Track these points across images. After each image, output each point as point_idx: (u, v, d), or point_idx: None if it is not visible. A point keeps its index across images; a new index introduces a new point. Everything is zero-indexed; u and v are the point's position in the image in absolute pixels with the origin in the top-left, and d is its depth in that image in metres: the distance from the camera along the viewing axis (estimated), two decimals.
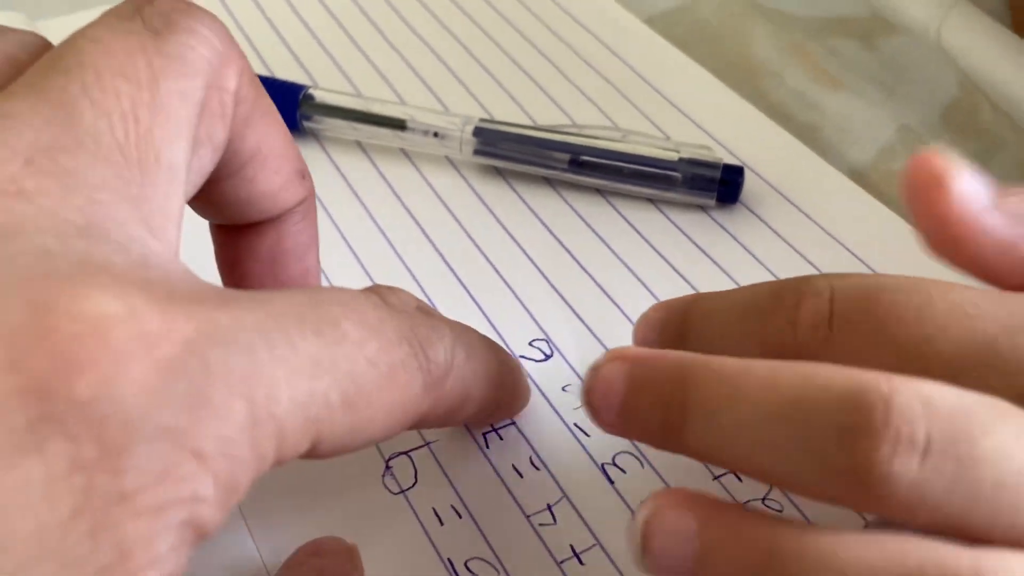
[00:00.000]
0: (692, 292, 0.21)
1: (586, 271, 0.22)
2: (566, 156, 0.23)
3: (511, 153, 0.23)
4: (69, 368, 0.09)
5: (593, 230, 0.23)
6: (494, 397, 0.16)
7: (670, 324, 0.16)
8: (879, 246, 0.22)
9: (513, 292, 0.21)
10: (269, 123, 0.14)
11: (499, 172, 0.24)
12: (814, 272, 0.21)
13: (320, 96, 0.24)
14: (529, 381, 0.19)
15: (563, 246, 0.22)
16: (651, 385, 0.13)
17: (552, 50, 0.27)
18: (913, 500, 0.11)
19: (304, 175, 0.16)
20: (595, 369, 0.14)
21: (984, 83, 0.23)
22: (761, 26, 0.28)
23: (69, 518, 0.09)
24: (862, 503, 0.11)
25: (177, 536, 0.10)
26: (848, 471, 0.11)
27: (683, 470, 0.18)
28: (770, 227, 0.22)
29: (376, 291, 0.14)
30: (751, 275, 0.21)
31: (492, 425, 0.19)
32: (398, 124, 0.24)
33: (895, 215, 0.22)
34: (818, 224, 0.22)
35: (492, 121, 0.24)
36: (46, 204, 0.10)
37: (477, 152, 0.24)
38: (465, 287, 0.21)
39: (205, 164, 0.13)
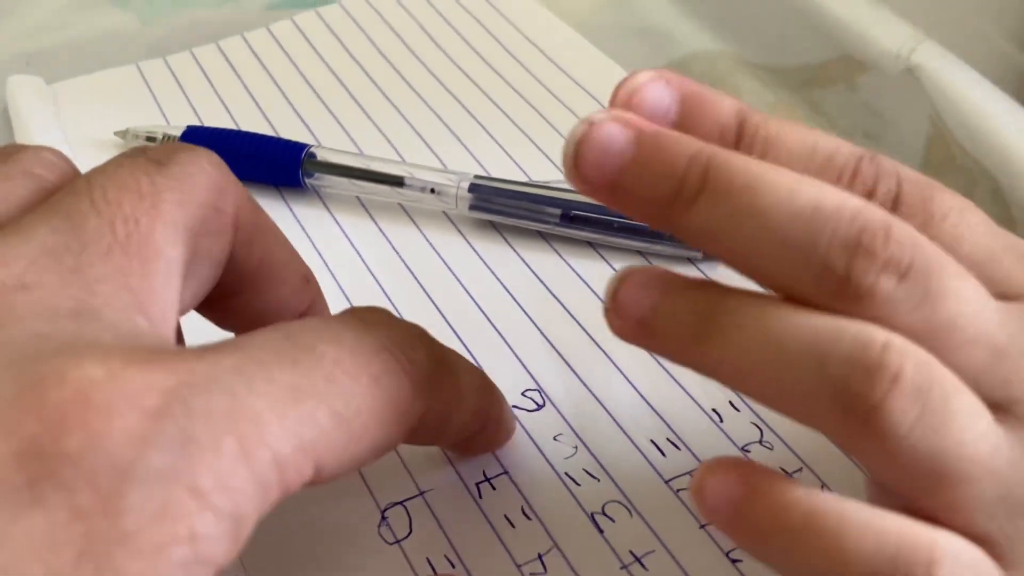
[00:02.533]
0: None
1: (578, 323, 0.22)
2: (558, 211, 0.24)
3: (505, 208, 0.24)
4: (58, 429, 0.10)
5: (585, 282, 0.23)
6: (480, 404, 0.17)
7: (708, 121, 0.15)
8: None
9: (507, 343, 0.22)
10: (270, 239, 0.16)
11: (494, 226, 0.25)
12: None
13: (322, 155, 0.25)
14: (520, 430, 0.20)
15: (556, 298, 0.23)
16: (665, 157, 0.13)
17: (547, 107, 0.28)
18: (883, 312, 0.13)
19: (309, 279, 0.17)
20: (591, 122, 0.14)
21: (951, 117, 0.24)
22: (749, 82, 0.29)
23: (74, 562, 0.10)
24: (842, 303, 0.13)
25: (182, 572, 0.11)
26: (841, 279, 0.13)
27: (669, 520, 0.18)
28: None
29: (350, 312, 0.15)
30: None
31: (485, 474, 0.19)
32: (397, 181, 0.25)
33: None
34: None
35: (487, 178, 0.25)
36: (42, 294, 0.12)
37: (472, 207, 0.24)
38: (460, 338, 0.22)
39: (206, 276, 0.15)
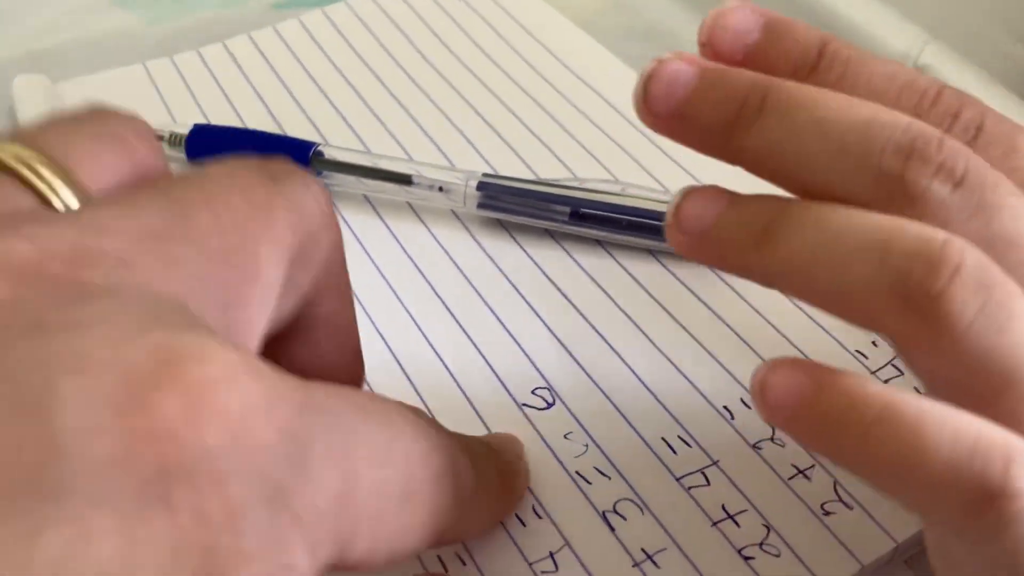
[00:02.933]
0: (690, 340, 0.22)
1: (587, 320, 0.22)
2: (567, 209, 0.24)
3: (514, 206, 0.24)
4: (197, 415, 0.09)
5: (594, 280, 0.23)
6: (496, 517, 0.17)
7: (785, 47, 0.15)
8: None
9: (516, 341, 0.22)
10: (345, 300, 0.15)
11: (502, 224, 0.25)
12: (806, 321, 0.22)
13: (330, 153, 0.25)
14: (530, 429, 0.20)
15: (564, 296, 0.23)
16: (728, 84, 0.14)
17: (554, 105, 0.28)
18: (939, 217, 0.13)
19: (360, 359, 0.16)
20: (659, 60, 0.15)
21: None
22: None
23: None
24: (899, 206, 0.13)
25: None
26: (896, 180, 0.13)
27: (681, 517, 0.18)
28: None
29: (409, 408, 0.14)
30: (744, 321, 0.22)
31: None
32: (405, 179, 0.25)
33: None
34: None
35: (495, 176, 0.25)
36: (145, 277, 0.11)
37: (481, 205, 0.24)
38: (469, 336, 0.22)
39: (289, 305, 0.13)
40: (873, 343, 0.21)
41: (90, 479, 0.08)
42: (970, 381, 0.13)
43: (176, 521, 0.09)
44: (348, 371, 0.16)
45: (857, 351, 0.21)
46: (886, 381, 0.21)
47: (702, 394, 0.20)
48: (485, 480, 0.15)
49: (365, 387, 0.18)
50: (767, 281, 0.14)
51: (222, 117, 0.28)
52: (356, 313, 0.15)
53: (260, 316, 0.12)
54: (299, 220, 0.13)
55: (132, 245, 0.11)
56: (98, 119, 0.13)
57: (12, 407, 0.09)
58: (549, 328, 0.22)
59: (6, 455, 0.08)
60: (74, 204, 0.11)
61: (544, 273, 0.23)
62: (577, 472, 0.19)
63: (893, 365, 0.21)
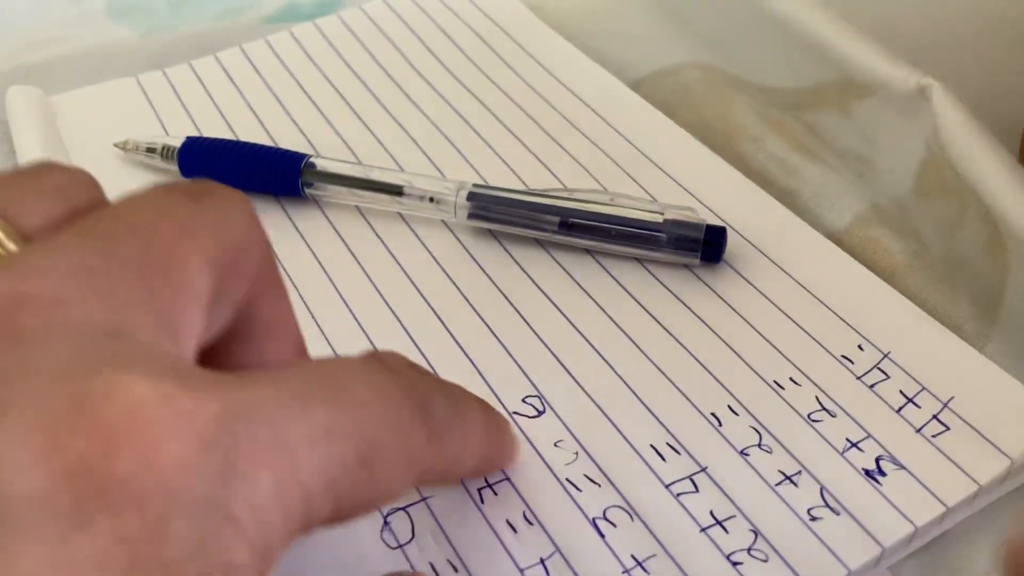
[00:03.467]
0: (678, 348, 0.22)
1: (577, 329, 0.22)
2: (556, 219, 0.24)
3: (504, 216, 0.24)
4: (109, 448, 0.10)
5: (583, 289, 0.23)
6: (488, 451, 0.17)
7: None
8: (857, 304, 0.23)
9: (506, 350, 0.22)
10: (281, 301, 0.16)
11: (492, 234, 0.25)
12: (793, 327, 0.22)
13: (321, 164, 0.26)
14: (521, 436, 0.20)
15: (554, 305, 0.23)
16: None
17: (543, 116, 0.29)
18: None
19: (303, 352, 0.17)
20: None
21: (952, 139, 0.24)
22: (739, 96, 0.29)
23: None
24: None
25: None
26: None
27: (670, 524, 0.18)
28: (752, 285, 0.23)
29: (373, 356, 0.15)
30: (734, 331, 0.22)
31: (486, 480, 0.19)
32: (395, 190, 0.25)
33: (872, 275, 0.23)
34: (798, 282, 0.23)
35: (485, 186, 0.25)
36: (79, 311, 0.11)
37: (471, 216, 0.25)
38: (460, 345, 0.22)
39: (223, 315, 0.14)
40: (859, 347, 0.22)
41: (14, 514, 0.10)
42: None
43: (97, 542, 0.10)
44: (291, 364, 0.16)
45: (843, 356, 0.21)
46: (872, 386, 0.21)
47: (690, 401, 0.21)
48: (464, 416, 0.16)
49: None
50: None
51: (214, 129, 0.29)
52: (295, 310, 0.16)
53: (193, 323, 0.13)
54: (224, 232, 0.14)
55: (65, 283, 0.12)
56: (40, 173, 0.14)
57: None
58: (539, 337, 0.22)
59: None
60: (12, 248, 0.13)
61: (534, 282, 0.24)
62: (568, 479, 0.19)
63: (879, 369, 0.21)
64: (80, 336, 0.11)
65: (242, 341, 0.15)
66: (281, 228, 0.25)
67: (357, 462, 0.12)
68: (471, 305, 0.23)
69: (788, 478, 0.19)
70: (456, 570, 0.18)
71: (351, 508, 0.13)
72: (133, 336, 0.12)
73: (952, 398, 0.20)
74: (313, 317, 0.23)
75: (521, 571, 0.18)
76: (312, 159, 0.26)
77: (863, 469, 0.19)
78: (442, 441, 0.15)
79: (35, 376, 0.11)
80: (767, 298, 0.23)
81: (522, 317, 0.23)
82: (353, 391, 0.13)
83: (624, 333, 0.22)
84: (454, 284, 0.24)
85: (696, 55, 0.31)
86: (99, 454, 0.10)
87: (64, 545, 0.10)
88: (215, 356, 0.15)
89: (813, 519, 0.18)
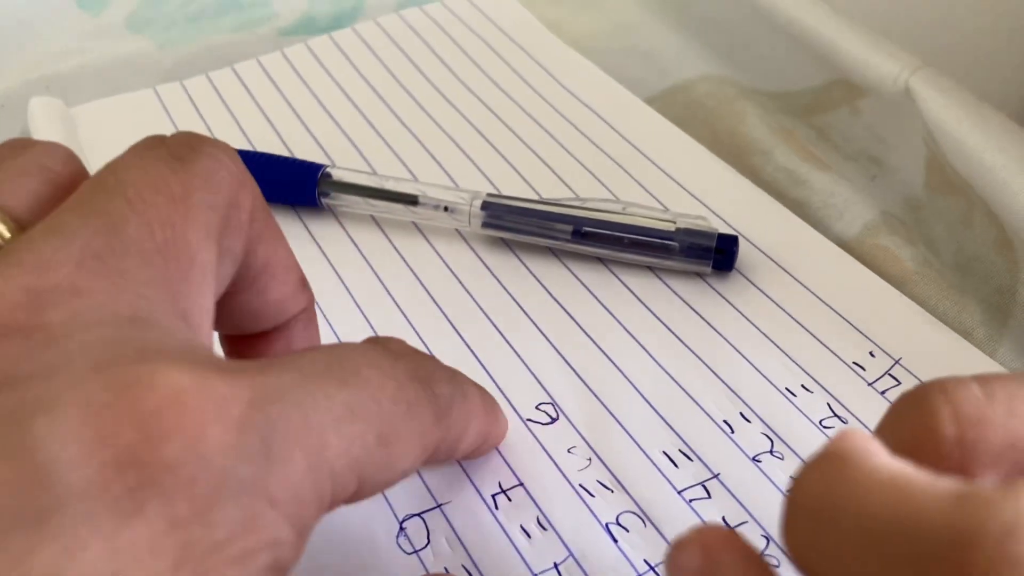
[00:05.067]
0: (690, 355, 0.22)
1: (589, 337, 0.23)
2: (569, 227, 0.24)
3: (517, 225, 0.25)
4: (155, 437, 0.10)
5: (596, 297, 0.24)
6: (485, 428, 0.18)
7: None
8: (868, 311, 0.23)
9: (520, 357, 0.22)
10: (276, 239, 0.16)
11: (506, 243, 0.25)
12: (804, 335, 0.22)
13: (337, 175, 0.26)
14: (534, 442, 0.20)
15: (567, 313, 0.23)
16: None
17: (556, 127, 0.29)
18: None
19: (305, 285, 0.17)
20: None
21: (944, 139, 0.24)
22: (752, 108, 0.30)
23: (173, 570, 0.10)
24: None
25: None
26: None
27: (683, 529, 0.19)
28: (764, 293, 0.23)
29: (377, 341, 0.15)
30: (746, 338, 0.22)
31: (500, 486, 0.19)
32: (410, 200, 0.25)
33: (882, 282, 0.23)
34: (810, 290, 0.23)
35: (499, 196, 0.25)
36: (99, 300, 0.12)
37: (485, 225, 0.25)
38: (473, 352, 0.22)
39: (227, 272, 0.15)
40: (870, 354, 0.22)
41: (71, 504, 0.10)
42: None
43: (151, 527, 0.10)
44: (296, 300, 0.17)
45: (855, 362, 0.22)
46: (883, 392, 0.21)
47: (702, 408, 0.21)
48: (465, 394, 0.16)
49: None
50: None
51: (231, 139, 0.29)
52: (290, 247, 0.16)
53: (205, 296, 0.13)
54: (217, 194, 0.14)
55: (79, 272, 0.12)
56: (17, 152, 0.14)
57: None
58: (552, 344, 0.23)
59: None
60: (6, 234, 0.13)
61: (547, 290, 0.24)
62: (581, 485, 0.20)
63: (890, 375, 0.21)
64: (105, 327, 0.11)
65: (245, 287, 0.15)
66: (298, 237, 0.26)
67: (376, 441, 0.13)
68: (485, 313, 0.23)
69: None
70: (471, 575, 0.18)
71: (371, 485, 0.13)
72: (154, 322, 0.12)
73: None
74: (329, 324, 0.23)
75: None
76: (328, 169, 0.26)
77: None
78: (447, 418, 0.15)
79: (73, 371, 0.11)
80: (778, 305, 0.23)
81: (535, 325, 0.23)
82: (366, 374, 0.13)
83: (636, 341, 0.22)
84: (468, 292, 0.24)
85: (708, 68, 0.31)
86: (145, 443, 0.10)
87: (119, 532, 0.10)
88: (223, 310, 0.15)
89: None
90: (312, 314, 0.18)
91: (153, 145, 0.14)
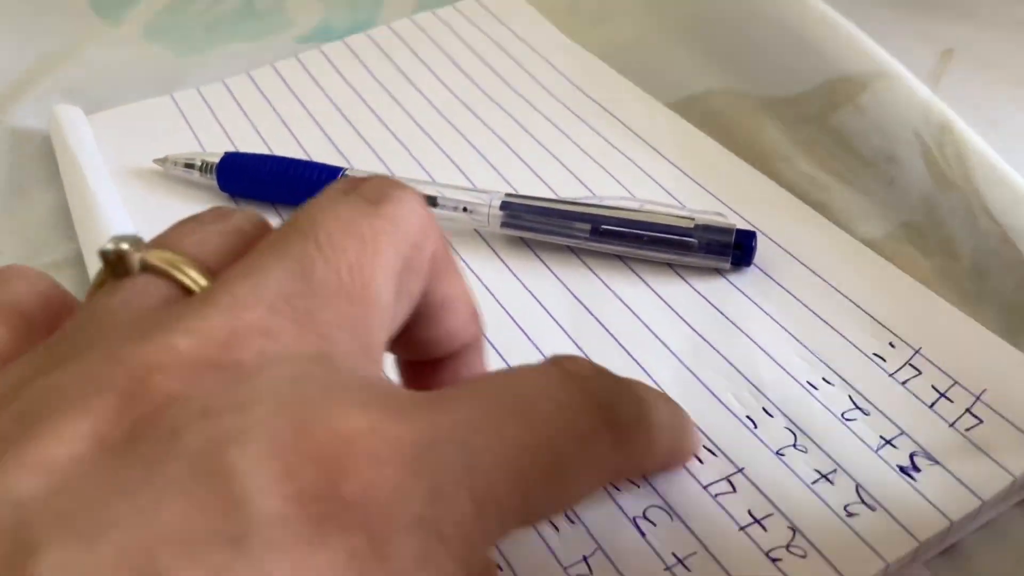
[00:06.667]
0: (711, 351, 0.22)
1: (610, 332, 0.23)
2: (588, 225, 0.25)
3: (536, 224, 0.25)
4: (334, 476, 0.11)
5: (615, 294, 0.24)
6: (673, 445, 0.18)
7: None
8: (886, 302, 0.23)
9: (542, 354, 0.22)
10: (454, 275, 0.16)
11: (525, 243, 0.25)
12: (824, 328, 0.22)
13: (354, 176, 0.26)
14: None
15: (587, 310, 0.24)
16: None
17: (571, 127, 0.29)
18: None
19: (477, 316, 0.18)
20: None
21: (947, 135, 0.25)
22: (769, 119, 0.29)
23: None
24: None
25: None
26: None
27: (709, 523, 0.19)
28: (783, 287, 0.24)
29: (556, 364, 0.15)
30: (765, 333, 0.22)
31: None
32: (430, 201, 0.26)
33: (900, 272, 0.24)
34: (828, 283, 0.23)
35: (518, 195, 0.26)
36: (286, 340, 0.12)
37: (504, 224, 0.25)
38: (497, 351, 0.23)
39: (404, 311, 0.15)
40: (890, 344, 0.22)
41: (263, 529, 0.10)
42: None
43: (333, 557, 0.11)
44: (468, 329, 0.17)
45: (875, 354, 0.22)
46: (904, 382, 0.21)
47: (725, 406, 0.21)
48: (650, 416, 0.16)
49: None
50: None
51: (249, 144, 0.29)
52: (466, 280, 0.17)
53: (383, 334, 0.14)
54: (403, 239, 0.14)
55: (269, 314, 0.12)
56: (218, 217, 0.15)
57: (193, 476, 0.11)
58: (574, 341, 0.23)
59: (193, 513, 0.10)
60: (203, 283, 0.13)
61: (567, 288, 0.24)
62: None
63: (911, 365, 0.21)
64: (292, 365, 0.12)
65: (422, 322, 0.16)
66: None
67: (546, 476, 0.13)
68: (506, 311, 0.24)
69: (824, 476, 0.19)
70: (501, 569, 0.18)
71: (540, 515, 0.14)
72: (338, 359, 0.13)
73: (984, 390, 0.21)
74: None
75: (565, 569, 0.18)
76: (347, 172, 0.26)
77: (897, 466, 0.19)
78: (628, 444, 0.15)
79: (261, 407, 0.11)
80: (797, 299, 0.23)
81: (556, 322, 0.23)
82: (540, 405, 0.14)
83: (657, 337, 0.23)
84: (489, 291, 0.24)
85: (725, 81, 0.31)
86: (327, 480, 0.11)
87: (307, 558, 0.11)
88: (401, 340, 0.16)
89: (850, 515, 0.19)
90: (481, 342, 0.18)
91: (347, 189, 0.15)
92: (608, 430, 0.15)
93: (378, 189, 0.15)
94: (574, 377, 0.15)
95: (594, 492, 0.15)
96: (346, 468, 0.11)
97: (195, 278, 0.13)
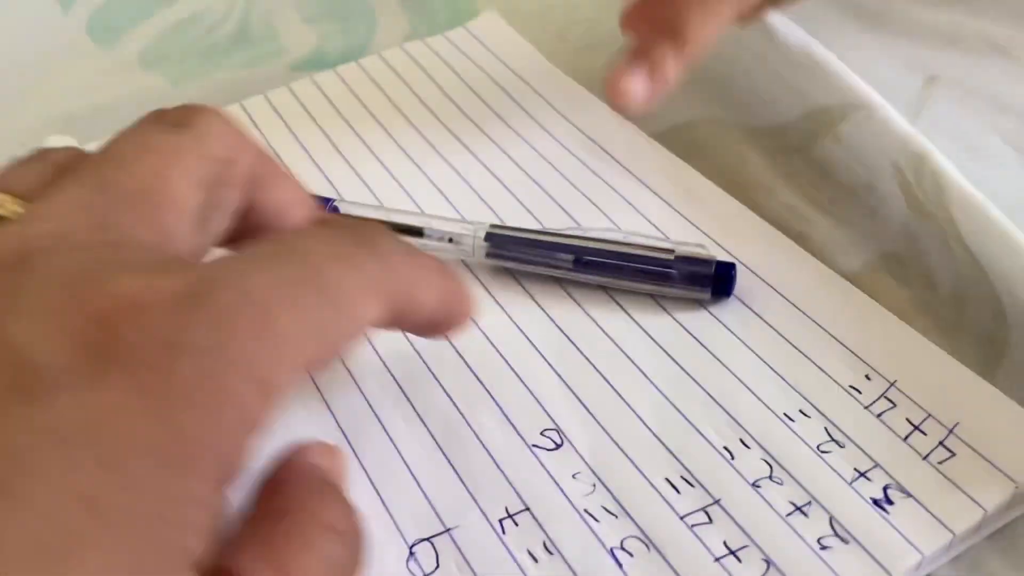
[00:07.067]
0: (690, 382, 0.23)
1: (592, 365, 0.23)
2: (571, 256, 0.25)
3: (520, 255, 0.25)
4: (110, 325, 0.13)
5: (598, 324, 0.24)
6: (444, 282, 0.18)
7: None
8: (863, 334, 0.23)
9: (525, 385, 0.23)
10: (282, 184, 0.18)
11: (510, 272, 0.26)
12: (802, 359, 0.23)
13: (345, 208, 0.27)
14: (539, 466, 0.21)
15: (570, 340, 0.24)
16: None
17: (557, 158, 0.30)
18: None
19: (314, 209, 0.19)
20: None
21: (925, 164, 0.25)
22: (752, 150, 0.30)
23: (147, 426, 0.12)
24: None
25: (234, 428, 0.13)
26: None
27: (686, 554, 0.19)
28: (762, 318, 0.24)
29: (321, 221, 0.17)
30: (745, 364, 0.23)
31: (507, 511, 0.20)
32: (416, 232, 0.26)
33: (877, 305, 0.24)
34: (807, 315, 0.24)
35: (502, 226, 0.26)
36: (79, 238, 0.14)
37: (489, 255, 0.26)
38: (479, 379, 0.23)
39: (223, 221, 0.17)
40: (866, 377, 0.22)
41: (50, 379, 0.12)
42: None
43: (121, 394, 0.12)
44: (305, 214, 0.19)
45: (851, 386, 0.22)
46: (879, 415, 0.21)
47: (703, 436, 0.21)
48: (413, 252, 0.17)
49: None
50: None
51: None
52: (300, 186, 0.19)
53: (191, 234, 0.16)
54: (206, 152, 0.16)
55: (67, 220, 0.14)
56: (40, 156, 0.17)
57: None
58: (556, 372, 0.23)
59: None
60: (19, 209, 0.15)
61: (550, 318, 0.25)
62: (585, 510, 0.20)
63: (886, 397, 0.22)
64: (81, 253, 0.14)
65: (261, 231, 0.18)
66: None
67: (322, 301, 0.14)
68: (490, 340, 0.24)
69: (799, 508, 0.20)
70: None
71: (331, 345, 0.14)
72: (129, 248, 0.14)
73: (957, 424, 0.21)
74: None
75: None
76: (336, 203, 0.27)
77: (871, 499, 0.20)
78: (395, 268, 0.16)
79: (38, 284, 0.13)
80: (776, 331, 0.24)
81: (539, 352, 0.24)
82: (303, 243, 0.15)
83: (637, 367, 0.23)
84: (473, 320, 0.25)
85: (709, 111, 0.31)
86: (103, 331, 0.13)
87: (87, 395, 0.12)
88: (243, 238, 0.18)
89: (823, 548, 0.19)
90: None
91: (152, 119, 0.16)
92: (370, 252, 0.15)
93: (182, 114, 0.16)
94: (334, 223, 0.17)
95: (379, 316, 0.15)
96: (120, 319, 0.13)
97: (9, 207, 0.15)
